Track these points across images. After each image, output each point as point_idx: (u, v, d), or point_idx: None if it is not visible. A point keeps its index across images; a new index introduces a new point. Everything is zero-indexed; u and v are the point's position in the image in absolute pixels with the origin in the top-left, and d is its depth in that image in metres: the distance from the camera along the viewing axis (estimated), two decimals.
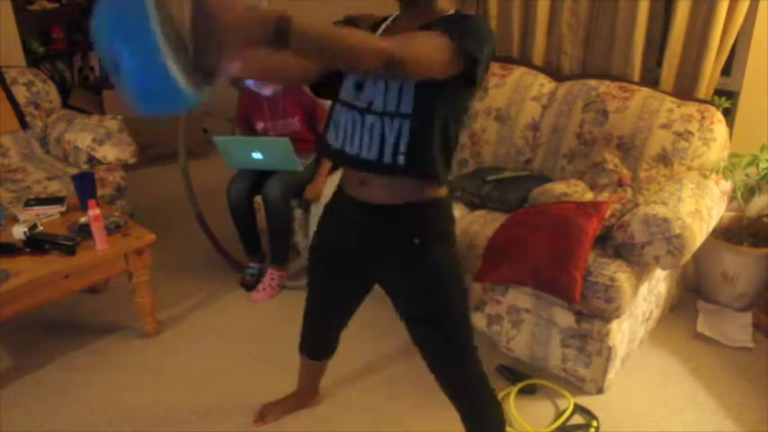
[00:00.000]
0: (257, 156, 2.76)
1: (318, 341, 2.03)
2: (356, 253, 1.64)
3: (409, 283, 1.60)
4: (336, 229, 1.69)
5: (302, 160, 2.84)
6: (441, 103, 1.41)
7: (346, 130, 1.49)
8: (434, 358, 1.70)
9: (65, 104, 3.82)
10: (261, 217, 2.96)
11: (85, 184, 2.64)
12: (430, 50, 1.29)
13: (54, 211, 2.61)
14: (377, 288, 1.70)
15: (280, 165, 2.80)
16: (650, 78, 2.74)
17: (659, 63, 2.69)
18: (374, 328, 2.66)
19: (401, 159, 1.42)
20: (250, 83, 2.78)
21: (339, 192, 1.66)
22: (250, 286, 2.97)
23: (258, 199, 2.94)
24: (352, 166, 1.52)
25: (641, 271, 2.18)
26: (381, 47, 1.19)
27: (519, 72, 2.93)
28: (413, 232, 1.54)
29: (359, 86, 1.46)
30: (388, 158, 1.43)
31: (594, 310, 2.13)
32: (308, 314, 1.95)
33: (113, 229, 2.47)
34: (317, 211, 2.88)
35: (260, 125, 2.96)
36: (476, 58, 1.35)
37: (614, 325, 2.14)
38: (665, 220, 2.05)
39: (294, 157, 2.71)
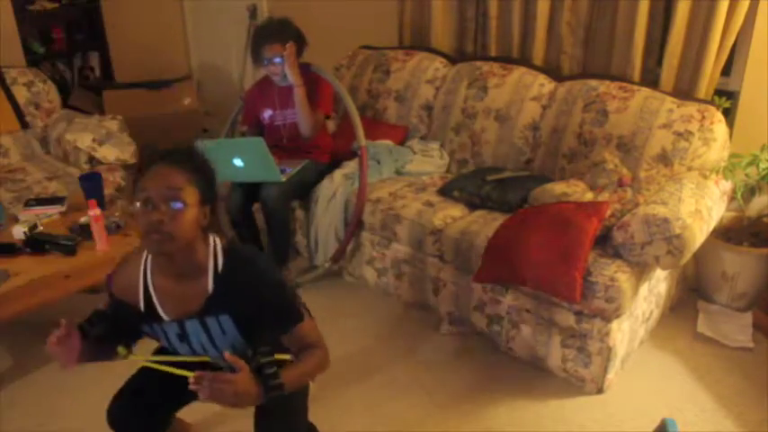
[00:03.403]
0: (238, 163, 2.70)
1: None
2: None
3: None
4: None
5: (287, 170, 2.81)
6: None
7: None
8: None
9: (65, 104, 3.82)
10: (261, 217, 2.95)
11: (92, 185, 2.65)
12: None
13: (54, 211, 2.61)
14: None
15: (261, 175, 2.75)
16: (650, 78, 2.74)
17: (659, 63, 2.69)
18: (375, 326, 2.66)
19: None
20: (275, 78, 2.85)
21: None
22: None
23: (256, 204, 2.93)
24: None
25: (641, 271, 2.18)
26: (324, 357, 1.54)
27: (519, 72, 2.92)
28: None
29: (193, 353, 1.54)
30: None
31: (594, 310, 2.13)
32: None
33: (114, 230, 2.47)
34: (316, 209, 2.88)
35: (267, 113, 2.94)
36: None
37: (614, 325, 2.14)
38: (666, 220, 2.05)
39: (271, 162, 2.66)
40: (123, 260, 1.59)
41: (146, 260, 1.51)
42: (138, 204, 1.36)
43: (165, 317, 1.50)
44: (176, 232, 1.35)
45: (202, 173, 1.42)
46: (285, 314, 1.50)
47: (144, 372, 1.67)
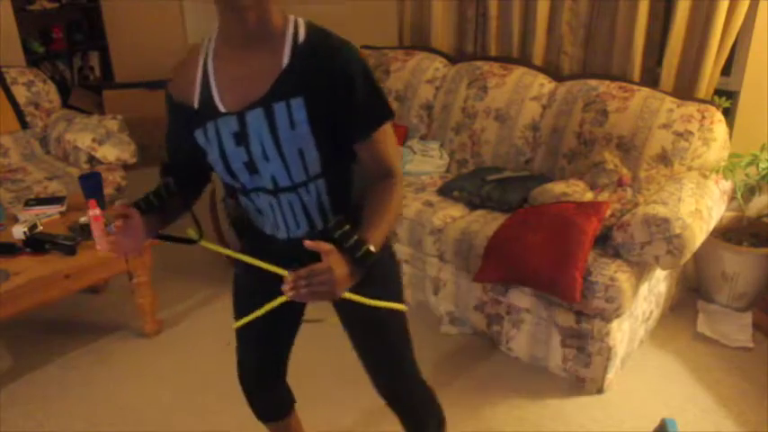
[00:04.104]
0: None
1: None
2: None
3: None
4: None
5: None
6: (346, 149, 1.31)
7: (268, 214, 1.38)
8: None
9: (65, 104, 3.82)
10: None
11: (91, 185, 2.65)
12: (395, 146, 1.34)
13: (54, 211, 2.61)
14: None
15: None
16: (650, 78, 2.74)
17: (659, 63, 2.69)
18: None
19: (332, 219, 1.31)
20: None
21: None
22: None
23: None
24: (287, 245, 1.40)
25: (641, 271, 2.18)
26: (401, 192, 1.34)
27: (519, 72, 2.92)
28: None
29: (250, 169, 1.29)
30: (320, 226, 1.36)
31: (594, 310, 2.13)
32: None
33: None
34: None
35: None
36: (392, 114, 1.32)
37: (614, 325, 2.14)
38: (665, 220, 2.05)
39: None
40: (186, 54, 1.40)
41: (208, 44, 1.32)
42: None
43: (222, 108, 1.25)
44: None
45: None
46: (374, 104, 1.25)
47: (244, 334, 1.56)
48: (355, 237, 1.17)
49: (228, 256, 1.44)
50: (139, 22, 4.74)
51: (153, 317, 2.64)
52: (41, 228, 2.45)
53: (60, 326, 2.74)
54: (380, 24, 3.63)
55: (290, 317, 1.59)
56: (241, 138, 1.25)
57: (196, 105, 1.29)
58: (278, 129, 1.22)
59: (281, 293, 1.16)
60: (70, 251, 2.32)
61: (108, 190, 3.13)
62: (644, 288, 2.27)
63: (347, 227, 1.18)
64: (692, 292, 2.79)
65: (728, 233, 2.64)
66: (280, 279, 1.19)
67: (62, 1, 4.58)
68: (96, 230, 2.35)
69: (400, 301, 1.47)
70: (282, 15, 1.25)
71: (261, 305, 1.36)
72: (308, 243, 1.12)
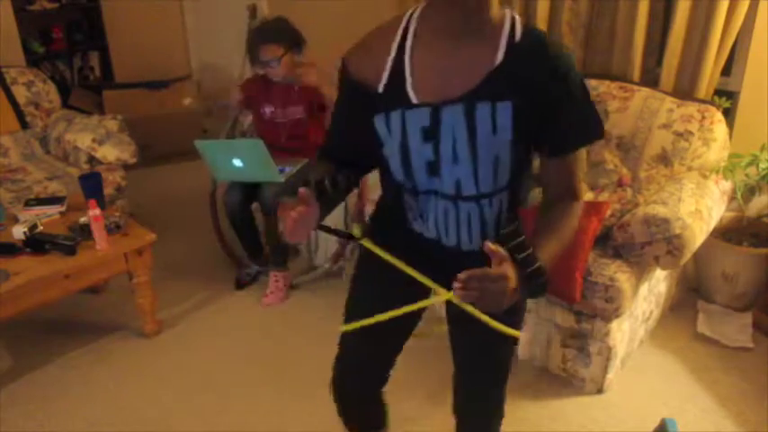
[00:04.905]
0: (238, 163, 2.67)
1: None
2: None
3: None
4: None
5: (286, 169, 2.80)
6: (530, 161, 1.21)
7: (437, 220, 1.24)
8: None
9: (65, 104, 3.82)
10: (260, 217, 2.95)
11: (91, 185, 2.65)
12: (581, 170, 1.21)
13: (54, 211, 2.61)
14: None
15: (260, 176, 2.73)
16: (650, 78, 2.74)
17: (659, 63, 2.69)
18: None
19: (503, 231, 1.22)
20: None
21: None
22: (243, 286, 2.98)
23: (256, 204, 2.93)
24: (448, 251, 1.28)
25: (641, 271, 2.18)
26: (579, 217, 1.20)
27: None
28: None
29: (432, 169, 1.17)
30: (492, 239, 1.19)
31: (594, 310, 2.13)
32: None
33: (113, 229, 2.47)
34: None
35: (269, 109, 2.91)
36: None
37: (614, 325, 2.14)
38: (665, 220, 2.05)
39: (271, 164, 2.63)
40: (374, 29, 1.23)
41: (407, 23, 1.16)
42: None
43: (414, 99, 1.12)
44: None
45: None
46: (588, 120, 1.14)
47: (356, 338, 1.41)
48: (530, 250, 1.07)
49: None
50: (139, 22, 4.74)
51: (153, 317, 2.64)
52: (41, 228, 2.45)
53: (60, 326, 2.74)
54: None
55: (408, 326, 1.48)
56: (431, 134, 1.12)
57: (381, 89, 1.15)
58: (477, 131, 1.10)
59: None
60: (70, 251, 2.32)
61: (108, 190, 3.13)
62: (644, 288, 2.27)
63: (522, 237, 1.09)
64: (691, 292, 2.79)
65: (728, 233, 2.64)
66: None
67: (62, 1, 4.57)
68: (97, 230, 2.35)
69: (517, 329, 1.34)
70: (501, 9, 1.13)
71: (384, 310, 1.24)
72: (489, 245, 1.01)
